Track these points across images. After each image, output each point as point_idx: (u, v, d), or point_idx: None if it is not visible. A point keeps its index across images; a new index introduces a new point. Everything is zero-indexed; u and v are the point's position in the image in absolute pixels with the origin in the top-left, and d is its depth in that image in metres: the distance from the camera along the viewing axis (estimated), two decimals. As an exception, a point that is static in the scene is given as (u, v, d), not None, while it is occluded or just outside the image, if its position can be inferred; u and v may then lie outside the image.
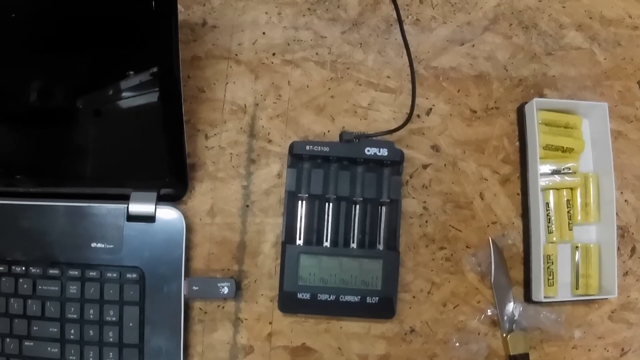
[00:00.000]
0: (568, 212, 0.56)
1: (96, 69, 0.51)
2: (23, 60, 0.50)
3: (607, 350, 0.56)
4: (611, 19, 0.61)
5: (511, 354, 0.54)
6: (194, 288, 0.52)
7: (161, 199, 0.53)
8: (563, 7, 0.60)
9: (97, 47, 0.50)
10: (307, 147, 0.53)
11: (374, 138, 0.54)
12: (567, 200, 0.56)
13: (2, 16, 0.47)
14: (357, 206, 0.54)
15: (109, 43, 0.50)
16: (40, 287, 0.51)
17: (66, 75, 0.51)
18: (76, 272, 0.52)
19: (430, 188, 0.56)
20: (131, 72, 0.50)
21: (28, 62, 0.50)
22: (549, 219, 0.56)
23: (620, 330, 0.56)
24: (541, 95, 0.59)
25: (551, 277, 0.54)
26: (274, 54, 0.57)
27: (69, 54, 0.50)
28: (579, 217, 0.57)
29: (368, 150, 0.53)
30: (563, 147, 0.56)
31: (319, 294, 0.52)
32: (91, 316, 0.51)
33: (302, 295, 0.52)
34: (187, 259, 0.54)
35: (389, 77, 0.58)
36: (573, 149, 0.56)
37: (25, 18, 0.48)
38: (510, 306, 0.55)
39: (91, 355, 0.51)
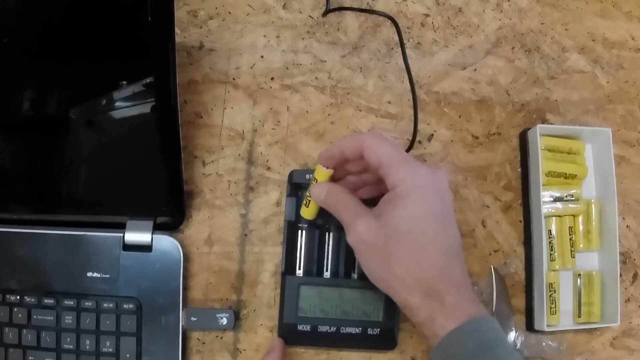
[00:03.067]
0: (570, 239, 0.56)
1: (90, 88, 0.50)
2: (16, 71, 0.49)
3: (609, 378, 0.56)
4: (614, 42, 0.60)
5: (513, 384, 0.53)
6: (192, 319, 0.51)
7: (158, 228, 0.52)
8: (565, 29, 0.60)
9: (91, 63, 0.49)
10: (307, 176, 0.52)
11: (374, 166, 0.53)
12: (570, 227, 0.56)
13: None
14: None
15: (104, 61, 0.49)
16: (35, 316, 0.51)
17: (58, 95, 0.50)
18: (72, 302, 0.51)
19: (432, 215, 0.56)
20: (127, 95, 0.49)
21: (21, 74, 0.49)
22: (552, 246, 0.55)
23: (622, 357, 0.56)
24: (543, 120, 0.58)
25: (553, 306, 0.54)
26: (272, 79, 0.56)
27: (61, 71, 0.49)
28: (581, 245, 0.56)
29: (368, 179, 0.52)
30: (566, 173, 0.55)
31: (319, 326, 0.51)
32: (87, 347, 0.50)
33: (303, 327, 0.51)
34: (185, 289, 0.53)
35: (389, 103, 0.57)
36: (576, 175, 0.56)
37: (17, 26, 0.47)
38: (512, 335, 0.54)
39: (88, 386, 0.50)
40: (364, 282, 0.52)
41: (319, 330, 0.51)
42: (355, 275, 0.53)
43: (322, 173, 0.48)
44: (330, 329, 0.51)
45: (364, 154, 0.44)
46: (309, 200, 0.49)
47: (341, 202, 0.45)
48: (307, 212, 0.50)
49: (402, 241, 0.41)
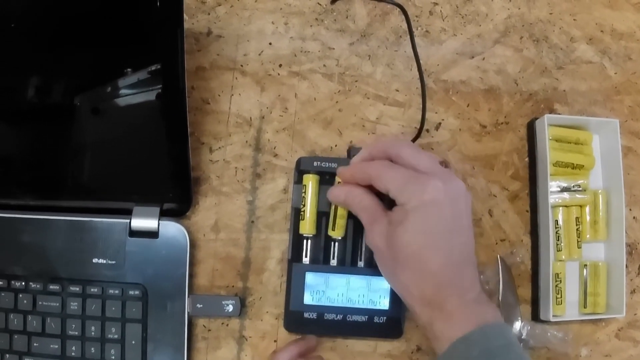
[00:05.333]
0: (577, 229, 0.55)
1: (97, 73, 0.50)
2: (23, 57, 0.49)
3: (614, 369, 0.56)
4: (622, 33, 0.60)
5: (518, 373, 0.53)
6: (198, 306, 0.51)
7: (164, 214, 0.52)
8: (574, 19, 0.59)
9: (98, 50, 0.49)
10: (315, 163, 0.52)
11: (382, 154, 0.53)
12: (576, 217, 0.56)
13: (1, 11, 0.46)
14: (365, 223, 0.53)
15: (112, 48, 0.49)
16: (40, 302, 0.50)
17: (66, 81, 0.49)
18: (77, 288, 0.51)
19: (439, 204, 0.56)
20: (135, 81, 0.49)
21: (28, 60, 0.49)
22: (558, 236, 0.55)
23: (627, 348, 0.56)
24: (551, 110, 0.58)
25: (559, 296, 0.54)
26: (280, 65, 0.56)
27: (69, 58, 0.49)
28: (588, 235, 0.56)
29: (377, 167, 0.52)
30: (573, 163, 0.55)
31: (325, 314, 0.51)
32: (92, 333, 0.50)
33: (309, 315, 0.51)
34: (191, 275, 0.53)
35: (397, 91, 0.57)
36: (583, 165, 0.56)
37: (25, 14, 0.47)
38: (518, 325, 0.54)
39: (93, 372, 0.50)
40: (371, 270, 0.52)
41: (325, 318, 0.51)
42: (361, 263, 0.52)
43: None
44: (336, 317, 0.51)
45: (374, 185, 0.46)
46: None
47: (361, 204, 0.47)
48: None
49: (406, 254, 0.43)
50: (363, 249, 0.53)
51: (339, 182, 0.50)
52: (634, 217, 0.58)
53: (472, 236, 0.45)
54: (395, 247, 0.44)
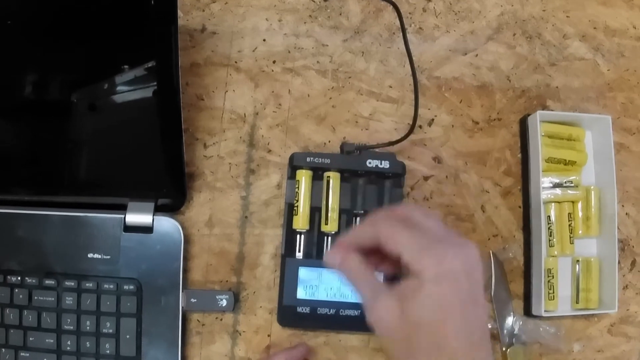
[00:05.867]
0: (569, 225, 0.56)
1: (91, 70, 0.50)
2: (19, 54, 0.49)
3: (606, 364, 0.56)
4: (615, 29, 0.60)
5: (510, 368, 0.54)
6: (192, 300, 0.52)
7: (159, 209, 0.53)
8: (567, 16, 0.60)
9: (93, 46, 0.49)
10: (308, 159, 0.52)
11: (375, 150, 0.53)
12: (569, 213, 0.56)
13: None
14: (358, 219, 0.53)
15: (106, 45, 0.49)
16: (36, 297, 0.51)
17: (60, 78, 0.50)
18: (72, 283, 0.51)
19: (432, 200, 0.56)
20: (129, 78, 0.49)
21: (24, 57, 0.49)
22: (550, 232, 0.55)
23: (619, 343, 0.56)
24: (544, 107, 0.58)
25: (552, 291, 0.54)
26: (274, 62, 0.57)
27: (63, 55, 0.49)
28: (580, 231, 0.56)
29: (369, 163, 0.52)
30: (565, 160, 0.56)
31: (318, 308, 0.52)
32: (87, 328, 0.51)
33: (302, 309, 0.52)
34: (185, 270, 0.53)
35: (390, 87, 0.57)
36: (575, 161, 0.56)
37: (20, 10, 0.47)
38: (510, 320, 0.55)
39: (88, 367, 0.50)
40: (364, 265, 0.52)
41: (318, 312, 0.52)
42: (354, 258, 0.53)
43: None
44: (329, 312, 0.52)
45: (382, 246, 0.41)
46: None
47: (358, 275, 0.43)
48: None
49: (425, 332, 0.39)
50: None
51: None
52: (626, 213, 0.58)
53: (486, 306, 0.42)
54: (409, 324, 0.40)
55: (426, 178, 0.56)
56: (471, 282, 0.40)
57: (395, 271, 0.45)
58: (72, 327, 0.51)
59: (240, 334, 0.53)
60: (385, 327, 0.41)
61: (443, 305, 0.39)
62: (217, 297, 0.52)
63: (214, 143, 0.55)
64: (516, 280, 0.56)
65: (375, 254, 0.43)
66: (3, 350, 0.50)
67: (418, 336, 0.39)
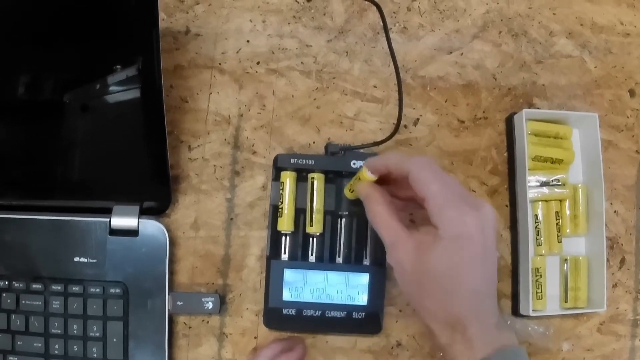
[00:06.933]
0: (557, 224, 0.55)
1: (72, 73, 0.50)
2: (3, 55, 0.49)
3: (595, 363, 0.56)
4: (602, 26, 0.60)
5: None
6: (178, 303, 0.52)
7: (144, 212, 0.53)
8: (553, 14, 0.59)
9: (75, 49, 0.49)
10: (292, 160, 0.52)
11: (360, 150, 0.53)
12: (556, 212, 0.55)
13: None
14: (343, 220, 0.53)
15: (88, 47, 0.49)
16: (23, 301, 0.51)
17: (40, 81, 0.50)
18: (59, 287, 0.51)
19: (418, 200, 0.56)
20: (112, 81, 0.49)
21: (8, 58, 0.49)
22: (538, 231, 0.55)
23: (609, 342, 0.56)
24: (530, 105, 0.58)
25: (539, 291, 0.54)
26: (258, 63, 0.56)
27: (45, 57, 0.49)
28: (568, 229, 0.56)
29: (354, 164, 0.52)
30: (552, 158, 0.55)
31: (304, 310, 0.52)
32: (75, 331, 0.51)
33: (288, 311, 0.52)
34: (171, 273, 0.53)
35: (375, 87, 0.57)
36: (562, 160, 0.56)
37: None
38: (498, 319, 0.54)
39: (75, 370, 0.50)
40: (349, 265, 0.52)
41: (304, 314, 0.52)
42: (340, 260, 0.53)
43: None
44: (315, 313, 0.52)
45: (410, 182, 0.44)
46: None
47: (382, 218, 0.45)
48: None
49: (436, 281, 0.43)
50: (341, 245, 0.53)
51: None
52: (614, 211, 0.58)
53: (496, 263, 0.44)
54: (422, 272, 0.43)
55: (412, 178, 0.56)
56: (485, 241, 0.43)
57: (416, 210, 0.49)
58: (59, 331, 0.51)
59: (226, 337, 0.53)
60: (401, 270, 0.44)
61: (455, 261, 0.42)
62: (203, 299, 0.52)
63: (198, 145, 0.55)
64: (504, 279, 0.55)
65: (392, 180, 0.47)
66: (-9, 354, 0.51)
67: (429, 283, 0.43)
